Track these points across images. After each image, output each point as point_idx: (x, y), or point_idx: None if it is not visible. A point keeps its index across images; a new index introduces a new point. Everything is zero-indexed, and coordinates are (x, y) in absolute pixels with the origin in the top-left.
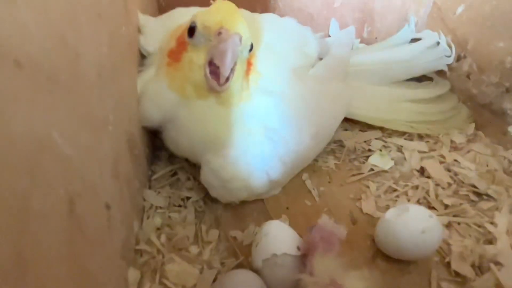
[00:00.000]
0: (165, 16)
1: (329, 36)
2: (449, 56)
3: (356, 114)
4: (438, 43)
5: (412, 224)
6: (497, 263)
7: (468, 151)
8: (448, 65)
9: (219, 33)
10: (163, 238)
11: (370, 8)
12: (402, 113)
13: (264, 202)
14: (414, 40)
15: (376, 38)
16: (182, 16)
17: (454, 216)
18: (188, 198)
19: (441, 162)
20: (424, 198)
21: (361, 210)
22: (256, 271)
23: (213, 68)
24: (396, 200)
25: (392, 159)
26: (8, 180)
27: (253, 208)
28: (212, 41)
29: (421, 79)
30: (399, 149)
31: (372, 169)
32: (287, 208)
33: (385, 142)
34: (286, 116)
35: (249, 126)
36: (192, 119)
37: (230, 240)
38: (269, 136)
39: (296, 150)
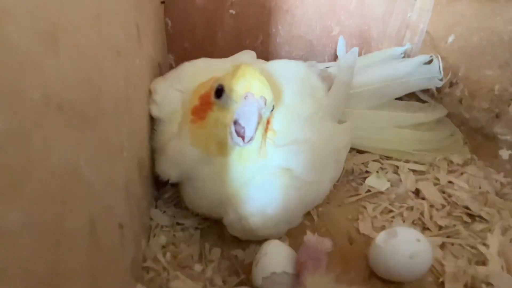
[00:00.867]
0: (173, 76)
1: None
2: (441, 79)
3: (358, 144)
4: (430, 61)
5: (400, 249)
6: (489, 284)
7: (462, 174)
8: (442, 91)
9: (246, 97)
10: (168, 256)
11: (366, 35)
12: (403, 142)
13: None
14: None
15: None
16: (190, 72)
17: (447, 237)
18: (192, 217)
19: (435, 184)
20: (419, 219)
21: (358, 230)
22: None
23: (238, 128)
24: (391, 221)
25: (389, 180)
26: (45, 206)
27: None
28: (238, 103)
29: (419, 102)
30: (395, 171)
31: (369, 190)
32: None
33: (382, 164)
34: (305, 165)
35: (271, 171)
36: (213, 174)
37: (232, 259)
38: (294, 187)
39: (316, 197)
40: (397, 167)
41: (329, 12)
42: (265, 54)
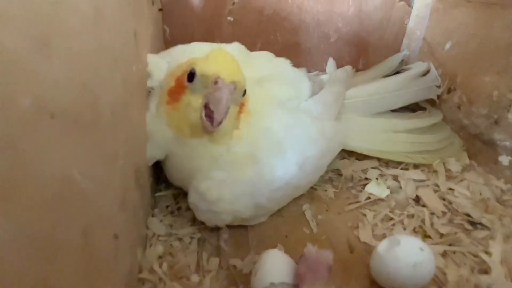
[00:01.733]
0: (166, 52)
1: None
2: (439, 86)
3: (353, 146)
4: (427, 71)
5: (403, 259)
6: None
7: (462, 180)
8: (440, 97)
9: (216, 82)
10: (165, 266)
11: (364, 43)
12: (398, 144)
13: (263, 230)
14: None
15: None
16: (182, 53)
17: (449, 245)
18: (190, 225)
19: (435, 191)
20: (420, 226)
21: (358, 238)
22: None
23: (208, 112)
24: (392, 229)
25: (388, 187)
26: (37, 217)
27: (252, 236)
28: (209, 88)
29: (415, 109)
30: (395, 177)
31: (369, 197)
32: (286, 236)
33: (381, 170)
34: (272, 144)
35: (237, 153)
36: (185, 155)
37: (230, 269)
38: (255, 161)
39: (282, 177)
40: (397, 174)
41: (327, 20)
42: None
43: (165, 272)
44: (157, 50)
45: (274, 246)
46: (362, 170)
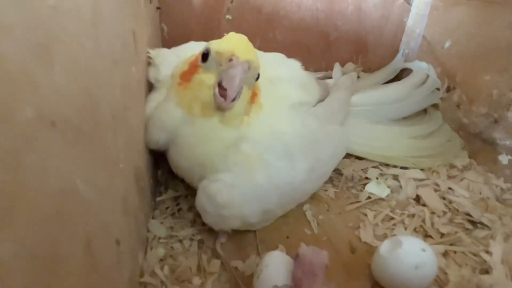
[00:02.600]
0: (178, 47)
1: (322, 77)
2: (439, 89)
3: (356, 150)
4: (427, 76)
5: (405, 260)
6: None
7: (462, 179)
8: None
9: (230, 60)
10: (166, 269)
11: (363, 41)
12: (401, 149)
13: (265, 232)
14: (404, 70)
15: (369, 68)
16: (195, 48)
17: (450, 244)
18: (190, 227)
19: (435, 190)
20: (421, 226)
21: (359, 238)
22: None
23: (221, 90)
24: (393, 229)
25: (389, 187)
26: (40, 231)
27: (253, 237)
28: (223, 66)
29: (417, 112)
30: (395, 177)
31: (369, 197)
32: (287, 237)
33: (382, 170)
34: (282, 148)
35: (247, 154)
36: (194, 136)
37: (232, 271)
38: (265, 166)
39: (291, 183)
40: (397, 174)
41: (326, 18)
42: None
43: (167, 276)
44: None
45: (276, 247)
46: (362, 170)
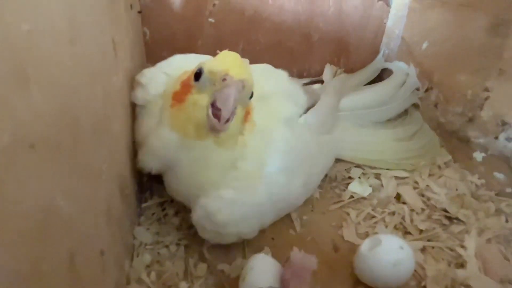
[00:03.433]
0: (164, 63)
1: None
2: (419, 89)
3: (344, 156)
4: (407, 74)
5: (384, 258)
6: (468, 286)
7: (440, 177)
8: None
9: (224, 79)
10: (153, 275)
11: (345, 42)
12: (387, 152)
13: None
14: (385, 70)
15: (352, 69)
16: (181, 62)
17: (428, 240)
18: (177, 232)
19: (415, 188)
20: (401, 223)
21: (342, 237)
22: None
23: (215, 110)
24: (374, 227)
25: (371, 186)
26: (21, 252)
27: None
28: (217, 85)
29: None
30: (377, 176)
31: (352, 197)
32: (273, 238)
33: (364, 169)
34: (277, 165)
35: (247, 170)
36: (191, 161)
37: (219, 274)
38: (265, 181)
39: (287, 199)
40: (379, 173)
41: (308, 20)
42: None
43: (154, 282)
44: (137, 55)
45: (261, 249)
46: (345, 169)
